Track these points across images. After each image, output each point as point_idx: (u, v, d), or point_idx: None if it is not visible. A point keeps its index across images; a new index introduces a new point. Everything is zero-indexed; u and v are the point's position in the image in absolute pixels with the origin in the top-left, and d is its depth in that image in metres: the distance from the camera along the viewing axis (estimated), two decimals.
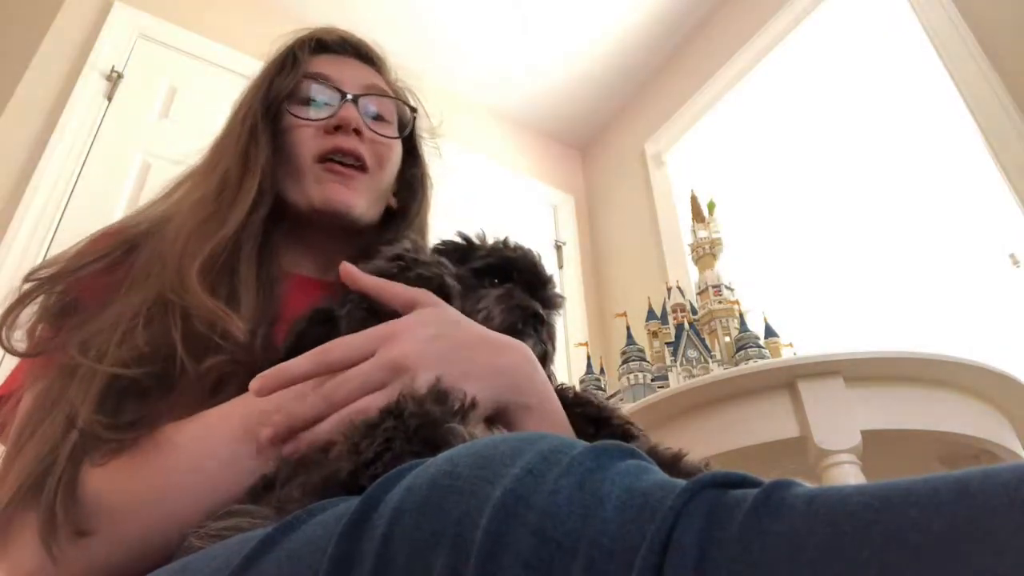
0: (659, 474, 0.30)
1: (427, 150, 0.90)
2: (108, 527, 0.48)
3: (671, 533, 0.25)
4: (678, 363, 1.52)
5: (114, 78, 2.22)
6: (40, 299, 0.60)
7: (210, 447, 0.51)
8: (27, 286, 0.61)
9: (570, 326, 2.89)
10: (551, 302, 0.67)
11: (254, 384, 0.50)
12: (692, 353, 1.53)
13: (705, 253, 1.67)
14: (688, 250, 1.77)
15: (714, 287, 1.61)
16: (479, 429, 0.44)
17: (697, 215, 1.73)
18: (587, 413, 0.59)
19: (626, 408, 1.34)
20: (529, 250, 0.68)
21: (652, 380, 1.57)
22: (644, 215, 2.98)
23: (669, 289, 1.77)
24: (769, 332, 1.55)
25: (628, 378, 1.58)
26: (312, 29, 0.82)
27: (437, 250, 0.68)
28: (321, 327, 0.57)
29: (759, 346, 1.45)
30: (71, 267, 0.62)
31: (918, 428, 1.14)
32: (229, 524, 0.43)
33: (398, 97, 0.84)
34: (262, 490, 0.47)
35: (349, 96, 0.75)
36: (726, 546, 0.24)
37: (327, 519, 0.35)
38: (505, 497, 0.28)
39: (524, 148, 3.34)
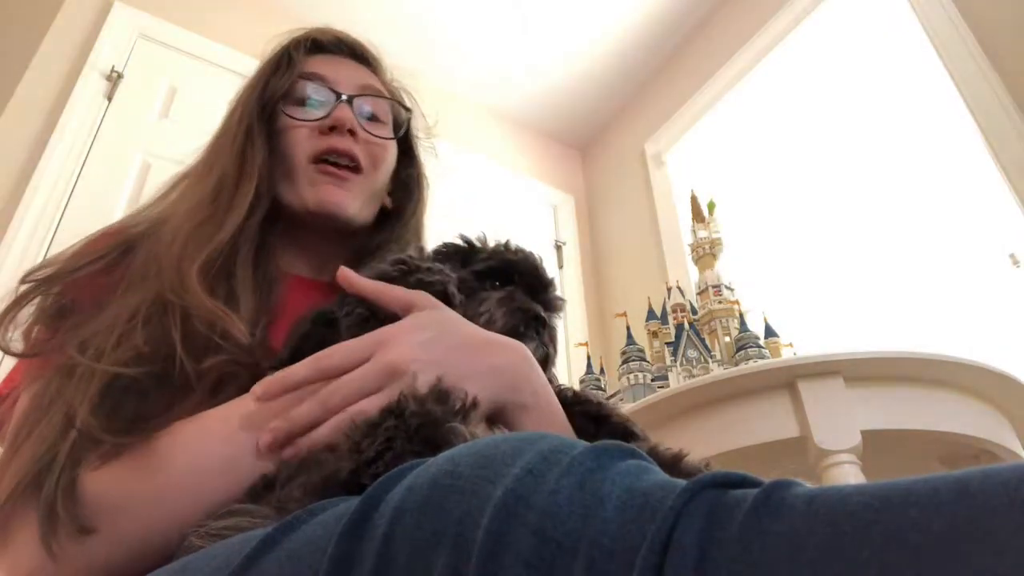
0: (659, 474, 0.30)
1: (423, 150, 0.90)
2: (108, 526, 0.48)
3: (671, 533, 0.25)
4: (678, 363, 1.52)
5: (114, 78, 2.22)
6: (37, 300, 0.60)
7: (210, 447, 0.51)
8: (24, 287, 0.61)
9: (570, 326, 2.89)
10: (552, 305, 0.68)
11: (256, 391, 0.51)
12: (692, 353, 1.53)
13: (705, 253, 1.67)
14: (688, 250, 1.77)
15: (714, 287, 1.61)
16: (480, 429, 0.44)
17: (697, 215, 1.73)
18: (587, 411, 0.60)
19: (626, 408, 1.34)
20: (530, 253, 0.69)
21: (652, 380, 1.57)
22: (644, 215, 2.98)
23: (669, 289, 1.77)
24: (769, 332, 1.55)
25: (628, 378, 1.58)
26: (308, 29, 0.82)
27: (439, 252, 0.69)
28: (322, 329, 0.58)
29: (759, 346, 1.45)
30: (68, 268, 0.62)
31: (918, 428, 1.14)
32: (229, 523, 0.43)
33: (393, 97, 0.84)
34: (262, 490, 0.47)
35: (344, 97, 0.75)
36: (726, 546, 0.24)
37: (327, 519, 0.35)
38: (506, 497, 0.28)
39: (524, 148, 3.34)
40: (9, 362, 0.63)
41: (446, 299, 0.59)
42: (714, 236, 1.68)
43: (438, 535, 0.29)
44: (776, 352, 1.52)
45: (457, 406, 0.45)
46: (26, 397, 0.55)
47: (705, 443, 1.19)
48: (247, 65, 0.83)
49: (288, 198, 0.73)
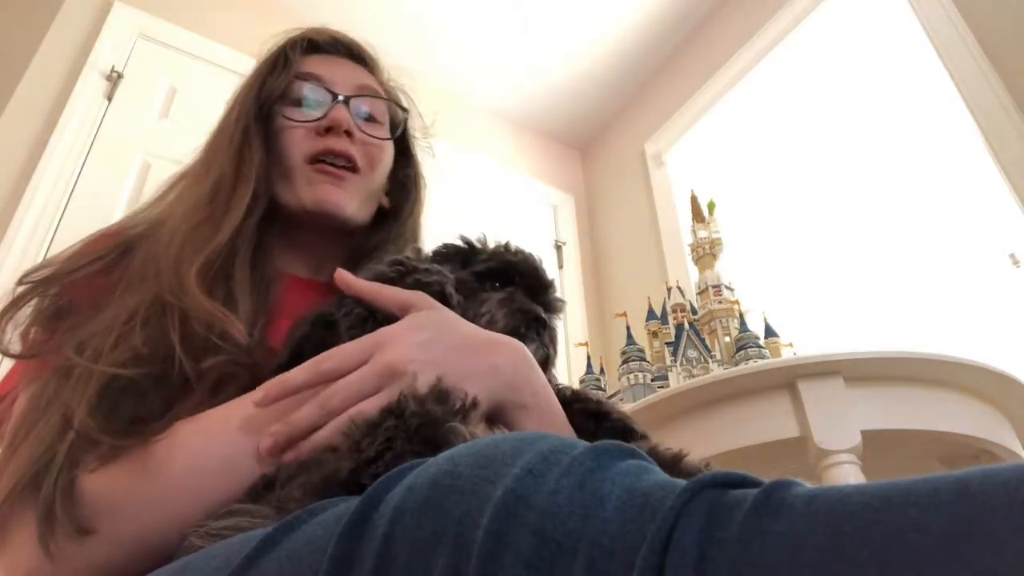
0: (659, 474, 0.30)
1: (420, 150, 0.90)
2: (107, 526, 0.48)
3: (671, 533, 0.25)
4: (678, 363, 1.52)
5: (114, 78, 2.22)
6: (34, 301, 0.60)
7: (210, 448, 0.51)
8: (21, 288, 0.61)
9: (570, 326, 2.89)
10: (552, 306, 0.68)
11: (256, 396, 0.51)
12: (692, 353, 1.53)
13: (705, 253, 1.67)
14: (688, 250, 1.77)
15: (714, 287, 1.61)
16: (480, 429, 0.44)
17: (697, 215, 1.73)
18: (586, 408, 0.60)
19: (626, 408, 1.34)
20: (530, 254, 0.69)
21: (652, 380, 1.57)
22: (644, 215, 2.98)
23: (669, 289, 1.77)
24: (769, 332, 1.55)
25: (628, 378, 1.58)
26: (304, 29, 0.82)
27: (438, 253, 0.69)
28: (321, 331, 0.58)
29: (759, 346, 1.45)
30: (65, 270, 0.62)
31: (918, 428, 1.14)
32: (229, 523, 0.43)
33: (390, 97, 0.84)
34: (262, 489, 0.47)
35: (341, 97, 0.75)
36: (726, 546, 0.24)
37: (327, 519, 0.35)
38: (506, 497, 0.28)
39: (524, 148, 3.34)
40: (7, 362, 0.63)
41: (444, 299, 0.59)
42: (714, 236, 1.68)
43: (438, 535, 0.29)
44: (776, 352, 1.52)
45: (457, 406, 0.45)
46: (24, 398, 0.55)
47: (705, 443, 1.19)
48: (247, 65, 0.83)
49: (285, 198, 0.73)
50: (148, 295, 0.58)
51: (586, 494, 0.28)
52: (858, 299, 2.08)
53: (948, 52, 1.95)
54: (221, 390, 0.55)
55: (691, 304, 1.71)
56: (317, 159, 0.73)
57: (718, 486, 0.27)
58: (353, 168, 0.75)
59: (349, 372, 0.51)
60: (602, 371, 1.86)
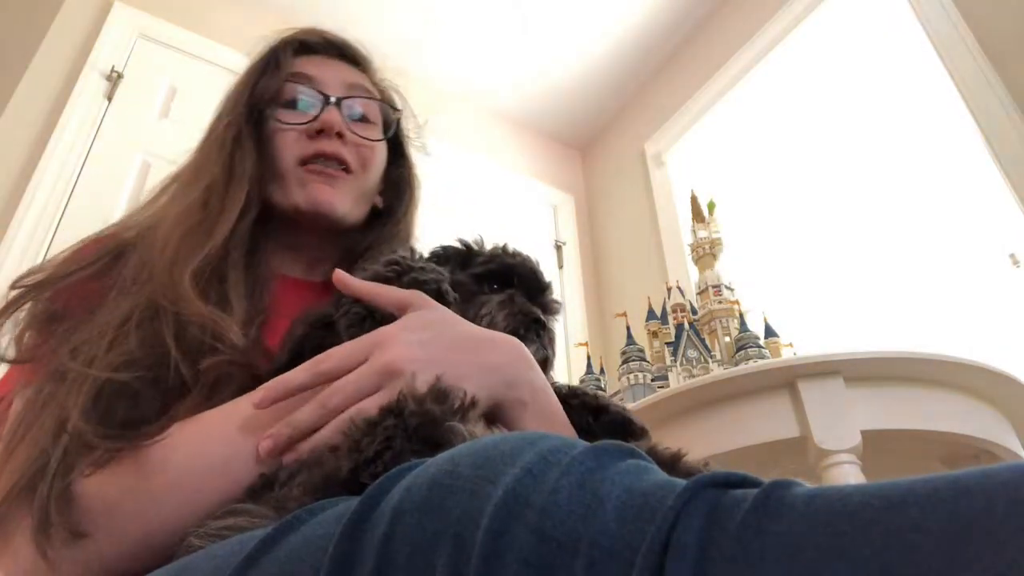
0: (659, 474, 0.30)
1: (415, 149, 0.89)
2: (104, 529, 0.48)
3: (671, 533, 0.25)
4: (678, 363, 1.52)
5: (114, 78, 2.22)
6: (28, 306, 0.60)
7: (209, 448, 0.51)
8: (14, 293, 0.61)
9: (570, 326, 2.89)
10: (550, 308, 0.68)
11: (255, 398, 0.51)
12: (692, 353, 1.53)
13: (705, 253, 1.67)
14: (688, 250, 1.77)
15: (714, 287, 1.61)
16: (479, 428, 0.44)
17: (697, 215, 1.73)
18: (585, 403, 0.60)
19: None
20: (528, 256, 0.69)
21: (652, 380, 1.57)
22: (644, 215, 2.98)
23: (669, 289, 1.77)
24: (769, 332, 1.55)
25: (628, 378, 1.58)
26: (295, 30, 0.81)
27: (436, 254, 0.69)
28: (320, 332, 0.58)
29: (759, 346, 1.45)
30: (58, 274, 0.62)
31: (918, 428, 1.14)
32: (229, 523, 0.43)
33: (383, 97, 0.84)
34: (261, 489, 0.47)
35: (332, 99, 0.75)
36: (726, 546, 0.24)
37: (327, 519, 0.35)
38: (506, 497, 0.28)
39: (524, 148, 3.34)
40: (3, 366, 0.63)
41: (440, 298, 0.59)
42: (714, 236, 1.68)
43: (438, 535, 0.29)
44: (776, 352, 1.52)
45: (456, 405, 0.45)
46: (19, 402, 0.55)
47: (705, 443, 1.19)
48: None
49: (278, 200, 0.73)
50: (142, 299, 0.58)
51: (586, 494, 0.28)
52: (858, 299, 2.08)
53: (948, 52, 1.95)
54: (219, 391, 0.55)
55: (691, 304, 1.71)
56: (309, 161, 0.73)
57: (718, 486, 0.27)
58: (346, 170, 0.75)
59: (348, 372, 0.51)
60: (602, 371, 1.86)
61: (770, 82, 2.65)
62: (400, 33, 2.84)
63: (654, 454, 0.48)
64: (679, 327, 1.60)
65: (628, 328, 1.71)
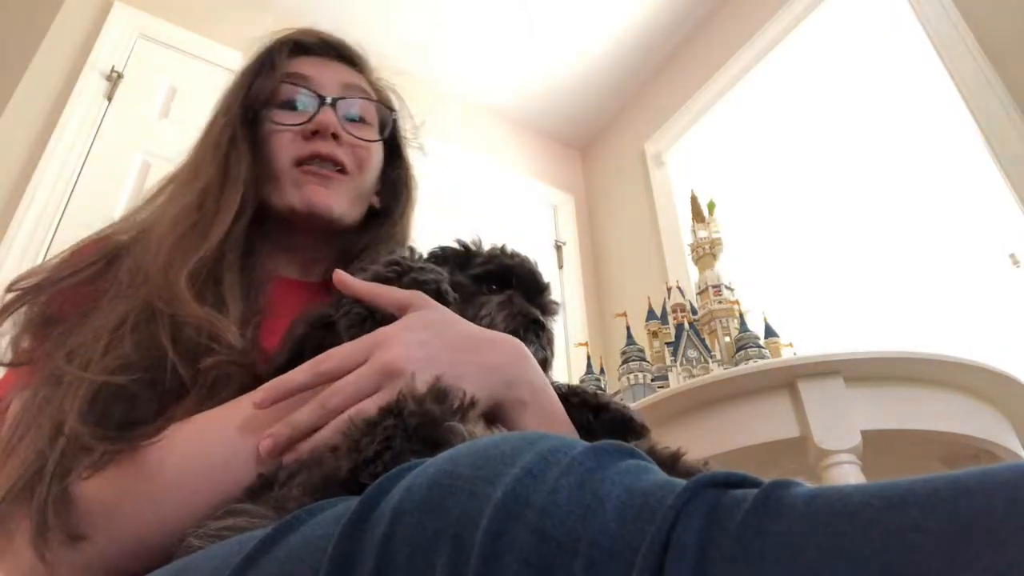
0: (659, 474, 0.30)
1: (412, 149, 0.89)
2: (103, 531, 0.48)
3: (671, 533, 0.25)
4: (678, 363, 1.52)
5: (114, 78, 2.22)
6: (23, 309, 0.60)
7: (208, 449, 0.51)
8: (9, 296, 0.61)
9: (570, 326, 2.89)
10: (548, 309, 0.69)
11: (255, 398, 0.51)
12: (692, 353, 1.53)
13: (705, 253, 1.67)
14: (688, 250, 1.77)
15: (714, 287, 1.61)
16: (479, 427, 0.44)
17: (697, 215, 1.73)
18: (585, 401, 0.60)
19: None
20: (526, 257, 0.69)
21: (652, 380, 1.57)
22: (644, 215, 2.98)
23: (669, 289, 1.77)
24: (769, 332, 1.55)
25: (628, 378, 1.58)
26: (291, 30, 0.81)
27: (434, 255, 0.69)
28: (320, 332, 0.58)
29: (759, 346, 1.45)
30: (53, 278, 0.62)
31: (918, 428, 1.14)
32: (228, 524, 0.43)
33: (379, 97, 0.84)
34: (260, 489, 0.47)
35: (328, 100, 0.75)
36: (726, 546, 0.24)
37: (327, 519, 0.35)
38: (505, 497, 0.28)
39: (524, 148, 3.34)
40: (1, 369, 0.63)
41: (440, 298, 0.59)
42: (714, 236, 1.68)
43: (438, 535, 0.29)
44: (776, 352, 1.52)
45: (455, 405, 0.45)
46: (16, 405, 0.56)
47: (705, 443, 1.19)
48: None
49: (274, 201, 0.73)
50: (137, 302, 0.58)
51: (586, 494, 0.28)
52: (858, 299, 2.08)
53: (948, 52, 1.95)
54: (217, 392, 0.55)
55: (691, 304, 1.71)
56: (304, 162, 0.73)
57: (718, 486, 0.27)
58: (341, 171, 0.75)
59: (348, 372, 0.51)
60: (602, 371, 1.87)
61: (770, 82, 2.65)
62: (405, 35, 2.84)
63: (653, 454, 0.48)
64: (679, 327, 1.60)
65: (628, 328, 1.71)
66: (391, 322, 0.55)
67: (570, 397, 0.60)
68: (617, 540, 0.26)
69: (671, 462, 0.49)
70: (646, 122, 3.12)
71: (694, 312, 1.67)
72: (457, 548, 0.28)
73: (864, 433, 1.08)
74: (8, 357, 0.59)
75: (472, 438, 0.40)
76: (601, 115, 3.35)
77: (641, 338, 1.70)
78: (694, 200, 1.76)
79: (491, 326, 0.61)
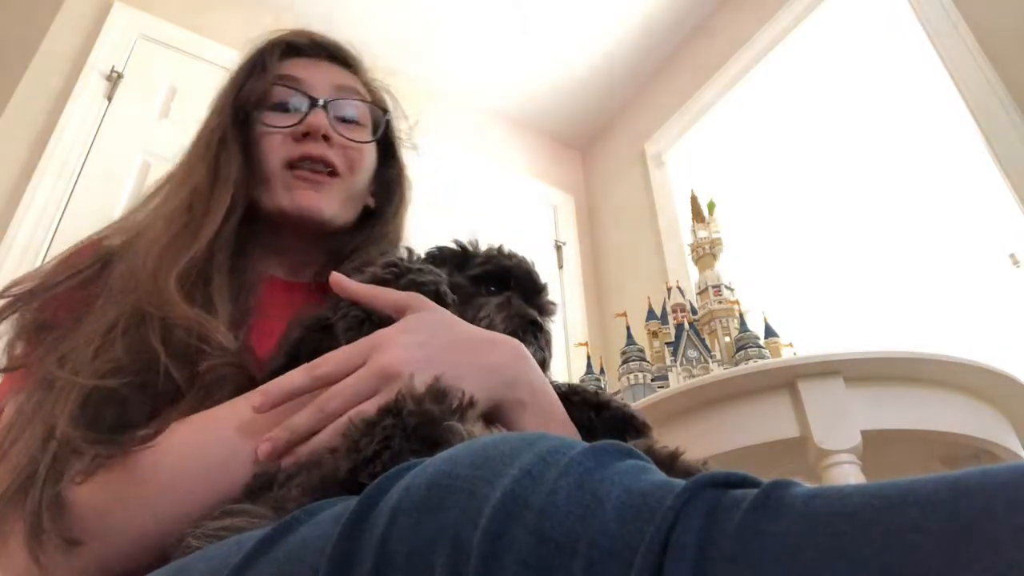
0: (658, 474, 0.30)
1: (406, 149, 0.89)
2: (99, 535, 0.48)
3: (670, 533, 0.25)
4: (678, 363, 1.52)
5: (114, 78, 2.22)
6: (16, 316, 0.61)
7: (205, 451, 0.51)
8: (2, 303, 0.61)
9: (570, 326, 2.89)
10: (546, 309, 0.69)
11: (253, 402, 0.51)
12: (692, 353, 1.53)
13: (705, 253, 1.67)
14: (688, 250, 1.77)
15: (714, 287, 1.61)
16: (478, 427, 0.44)
17: (697, 215, 1.73)
18: (586, 400, 0.60)
19: None
20: (524, 257, 0.69)
21: (652, 380, 1.57)
22: (644, 215, 2.98)
23: (669, 289, 1.77)
24: (769, 332, 1.55)
25: (628, 378, 1.58)
26: (284, 31, 0.81)
27: (432, 255, 0.69)
28: (318, 335, 0.58)
29: (759, 346, 1.45)
30: (47, 283, 0.62)
31: (918, 428, 1.14)
32: (226, 524, 0.43)
33: (373, 98, 0.83)
34: (259, 489, 0.47)
35: (321, 102, 0.75)
36: (725, 546, 0.24)
37: (325, 519, 0.35)
38: (504, 498, 0.28)
39: (524, 148, 3.34)
40: None
41: (439, 299, 0.59)
42: (714, 236, 1.68)
43: (437, 536, 0.29)
44: (776, 352, 1.52)
45: (454, 404, 0.45)
46: (10, 409, 0.56)
47: (705, 443, 1.19)
48: None
49: (265, 202, 0.73)
50: (127, 306, 0.58)
51: (585, 494, 0.28)
52: (858, 299, 2.08)
53: (948, 52, 1.95)
54: (213, 393, 0.55)
55: (691, 304, 1.71)
56: (295, 164, 0.73)
57: (717, 486, 0.27)
58: (332, 172, 0.75)
59: (345, 376, 0.51)
60: (602, 371, 1.86)
61: (770, 82, 2.65)
62: (400, 33, 2.84)
63: (651, 453, 0.48)
64: (679, 327, 1.60)
65: (628, 328, 1.71)
66: (389, 324, 0.55)
67: (571, 396, 0.60)
68: (616, 540, 0.25)
69: (669, 461, 0.49)
70: (646, 122, 3.12)
71: (694, 312, 1.67)
72: (456, 549, 0.28)
73: (864, 433, 1.08)
74: (3, 363, 0.59)
75: (471, 438, 0.40)
76: (601, 115, 3.35)
77: (641, 338, 1.70)
78: (694, 200, 1.76)
79: (490, 327, 0.61)
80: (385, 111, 0.84)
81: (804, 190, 2.38)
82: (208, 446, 0.51)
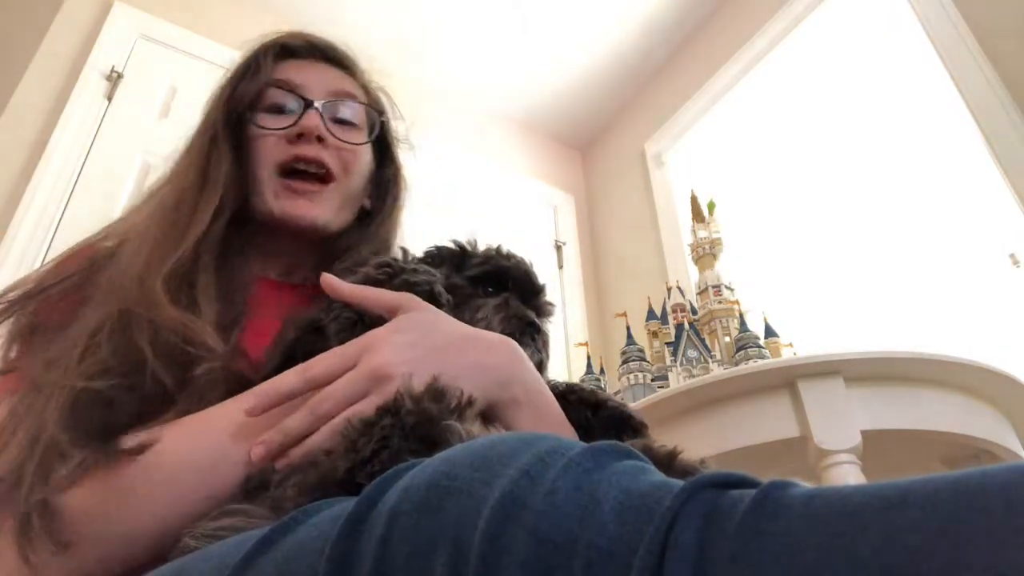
0: (657, 475, 0.30)
1: (402, 150, 0.89)
2: (89, 538, 0.48)
3: (669, 534, 0.25)
4: (678, 363, 1.52)
5: (114, 78, 2.22)
6: (11, 320, 0.61)
7: (197, 454, 0.51)
8: None
9: (570, 326, 2.89)
10: (544, 310, 0.68)
11: (246, 405, 0.51)
12: (692, 353, 1.53)
13: (705, 253, 1.67)
14: (688, 250, 1.77)
15: (714, 287, 1.61)
16: (476, 427, 0.44)
17: (697, 215, 1.73)
18: (583, 399, 0.60)
19: None
20: (522, 258, 0.69)
21: (652, 380, 1.57)
22: (644, 215, 2.98)
23: (669, 289, 1.77)
24: (769, 332, 1.55)
25: (628, 378, 1.58)
26: (279, 34, 0.81)
27: (430, 255, 0.69)
28: (311, 337, 0.58)
29: (759, 346, 1.45)
30: (42, 287, 0.62)
31: (918, 428, 1.14)
32: (225, 524, 0.43)
33: (369, 99, 0.83)
34: (256, 489, 0.47)
35: (316, 104, 0.75)
36: (725, 546, 0.24)
37: (324, 519, 0.34)
38: (502, 499, 0.28)
39: (524, 148, 3.34)
40: None
41: (432, 299, 0.59)
42: (714, 236, 1.68)
43: (436, 537, 0.29)
44: (776, 352, 1.52)
45: (453, 404, 0.45)
46: (3, 411, 0.56)
47: (705, 443, 1.19)
48: None
49: (257, 205, 0.73)
50: (113, 308, 0.58)
51: (583, 495, 0.28)
52: (858, 299, 2.08)
53: (948, 52, 1.95)
54: (204, 396, 0.55)
55: (691, 304, 1.71)
56: (288, 170, 0.73)
57: (716, 486, 0.27)
58: (325, 177, 0.75)
59: (337, 377, 0.51)
60: (602, 371, 1.86)
61: (770, 82, 2.64)
62: (400, 33, 2.84)
63: (650, 452, 0.48)
64: (679, 327, 1.60)
65: (628, 328, 1.71)
66: (381, 325, 0.55)
67: (567, 395, 0.60)
68: (615, 541, 0.25)
69: (668, 460, 0.49)
70: (646, 122, 3.12)
71: (694, 312, 1.67)
72: (456, 550, 0.28)
73: (864, 433, 1.08)
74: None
75: (470, 437, 0.40)
76: (601, 115, 3.35)
77: (641, 338, 1.70)
78: (694, 200, 1.76)
79: (487, 329, 0.61)
80: (381, 112, 0.84)
81: (804, 190, 2.38)
82: (199, 449, 0.51)
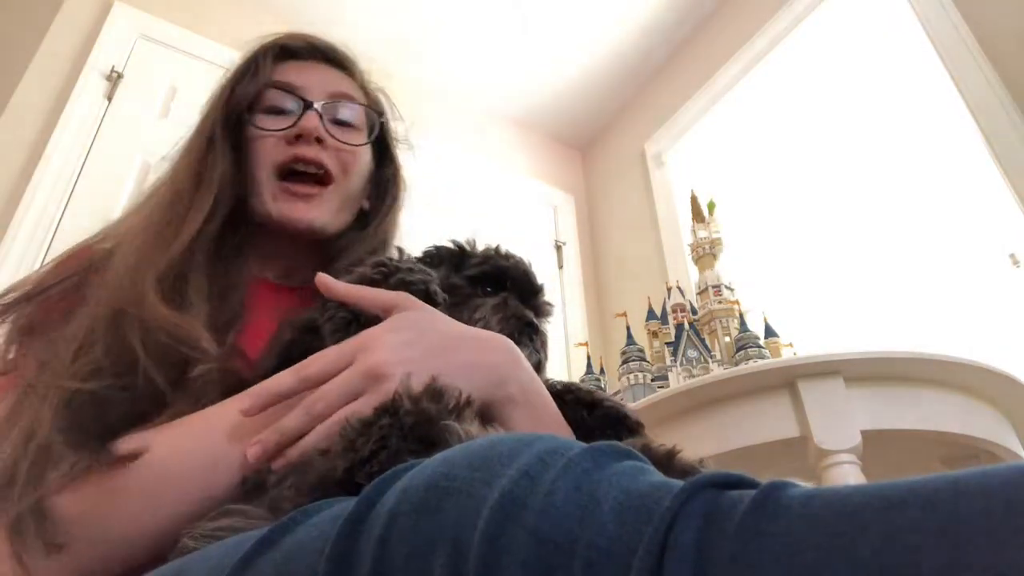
0: (656, 475, 0.30)
1: (401, 150, 0.89)
2: (84, 539, 0.48)
3: (668, 534, 0.25)
4: (678, 363, 1.52)
5: (114, 78, 2.22)
6: (10, 322, 0.61)
7: (191, 456, 0.50)
8: None
9: (570, 326, 2.89)
10: (543, 310, 0.68)
11: (242, 406, 0.51)
12: (692, 353, 1.53)
13: (705, 253, 1.67)
14: (688, 250, 1.77)
15: (714, 287, 1.61)
16: (474, 427, 0.44)
17: (697, 215, 1.73)
18: (579, 399, 0.60)
19: None
20: (520, 258, 0.69)
21: (652, 380, 1.57)
22: (644, 215, 2.98)
23: (669, 289, 1.77)
24: (769, 332, 1.55)
25: (628, 378, 1.58)
26: (279, 35, 0.81)
27: (428, 254, 0.69)
28: (308, 337, 0.58)
29: (759, 346, 1.45)
30: (38, 289, 0.62)
31: (918, 428, 1.14)
32: (223, 524, 0.43)
33: (368, 100, 0.83)
34: (254, 489, 0.47)
35: (316, 105, 0.75)
36: (725, 547, 0.24)
37: (323, 520, 0.34)
38: (502, 499, 0.28)
39: (524, 148, 3.34)
40: None
41: (428, 298, 0.59)
42: (714, 236, 1.68)
43: (436, 537, 0.28)
44: (776, 352, 1.52)
45: (451, 404, 0.45)
46: (1, 410, 0.56)
47: (705, 443, 1.19)
48: None
49: (256, 207, 0.73)
50: (106, 308, 0.58)
51: (583, 495, 0.28)
52: (858, 299, 2.08)
53: (948, 52, 1.95)
54: (201, 398, 0.55)
55: (691, 304, 1.71)
56: (287, 172, 0.73)
57: (715, 486, 0.27)
58: (323, 179, 0.75)
59: (333, 377, 0.51)
60: (602, 371, 1.86)
61: (770, 82, 2.64)
62: (400, 33, 2.84)
63: (648, 452, 0.48)
64: (679, 327, 1.60)
65: (628, 328, 1.71)
66: (377, 324, 0.55)
67: (564, 395, 0.60)
68: (615, 541, 0.25)
69: (666, 460, 0.48)
70: (646, 122, 3.12)
71: (694, 312, 1.67)
72: (455, 550, 0.28)
73: (864, 433, 1.07)
74: None
75: (468, 437, 0.40)
76: (601, 115, 3.35)
77: (641, 338, 1.70)
78: (694, 200, 1.76)
79: (486, 328, 0.61)
80: (380, 113, 0.84)
81: (804, 190, 2.38)
82: (195, 450, 0.51)
